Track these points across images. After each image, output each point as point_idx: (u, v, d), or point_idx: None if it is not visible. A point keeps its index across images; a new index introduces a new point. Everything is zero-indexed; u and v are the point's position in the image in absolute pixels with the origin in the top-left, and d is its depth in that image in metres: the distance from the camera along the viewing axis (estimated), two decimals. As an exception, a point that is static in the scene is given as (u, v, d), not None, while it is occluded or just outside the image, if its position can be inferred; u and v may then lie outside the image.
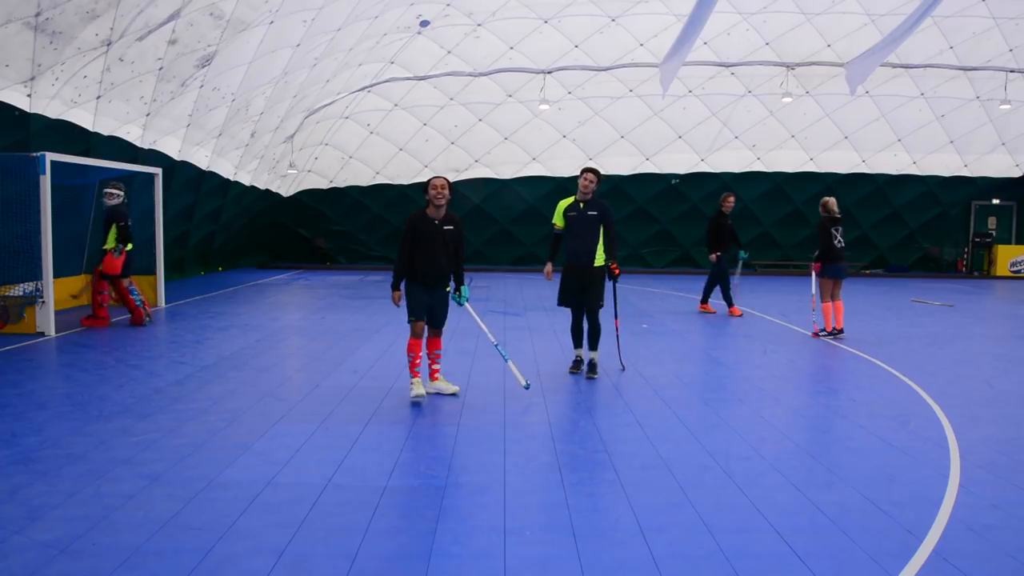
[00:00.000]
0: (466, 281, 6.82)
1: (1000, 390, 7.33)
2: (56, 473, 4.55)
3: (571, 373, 7.64)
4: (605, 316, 7.60)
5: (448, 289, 6.54)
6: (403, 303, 6.45)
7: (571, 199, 7.62)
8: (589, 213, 7.47)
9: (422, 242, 6.30)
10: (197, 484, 4.41)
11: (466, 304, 6.68)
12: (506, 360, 6.90)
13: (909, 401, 6.79)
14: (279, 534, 3.76)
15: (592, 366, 7.55)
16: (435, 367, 6.69)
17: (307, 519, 3.95)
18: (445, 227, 6.37)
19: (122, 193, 10.54)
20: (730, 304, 12.41)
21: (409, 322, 6.41)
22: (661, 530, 3.90)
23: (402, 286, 6.47)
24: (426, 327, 6.55)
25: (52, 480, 4.44)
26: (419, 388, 6.34)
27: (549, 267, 7.96)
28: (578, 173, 7.68)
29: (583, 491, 4.45)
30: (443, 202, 6.29)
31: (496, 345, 6.93)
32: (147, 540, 3.66)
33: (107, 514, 3.95)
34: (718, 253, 12.37)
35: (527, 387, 6.70)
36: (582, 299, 7.54)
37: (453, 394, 6.57)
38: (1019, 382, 7.77)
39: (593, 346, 7.56)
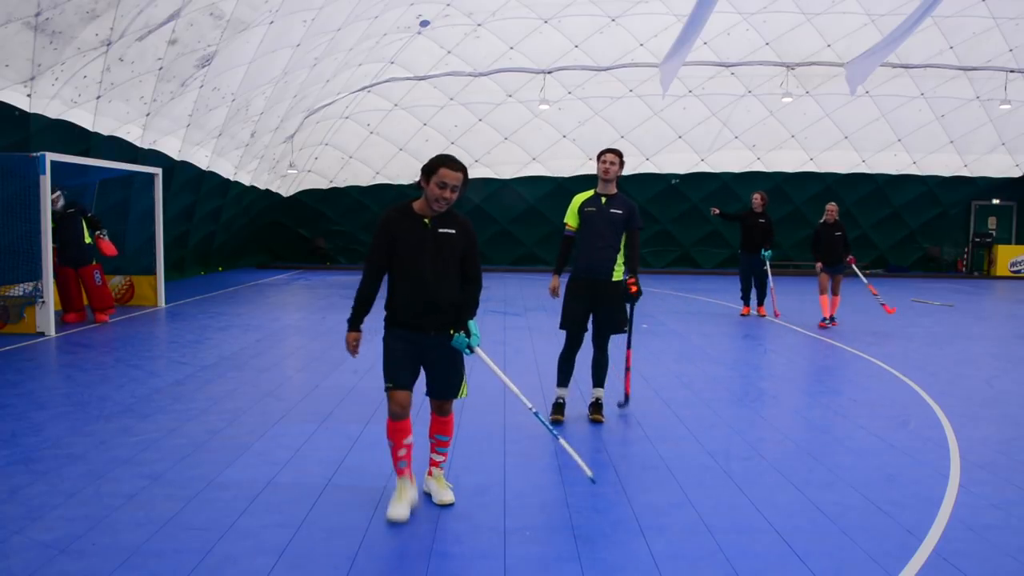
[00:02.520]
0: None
1: (1000, 390, 7.33)
2: (56, 473, 4.55)
3: (553, 422, 5.79)
4: (616, 345, 6.18)
5: (452, 332, 4.06)
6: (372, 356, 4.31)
7: (589, 192, 6.02)
8: (612, 211, 5.85)
9: (403, 253, 3.97)
10: (197, 484, 4.40)
11: (478, 350, 4.14)
12: (556, 438, 4.50)
13: (909, 401, 6.79)
14: (279, 534, 3.76)
15: (598, 406, 6.01)
16: (436, 456, 4.30)
17: (307, 519, 3.95)
18: (441, 230, 3.99)
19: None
20: (745, 303, 12.43)
21: (386, 391, 4.08)
22: (661, 530, 3.90)
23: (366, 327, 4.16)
24: (426, 398, 4.28)
25: (52, 480, 4.44)
26: (400, 504, 4.00)
27: (556, 280, 6.11)
28: (596, 158, 5.98)
29: (583, 491, 4.45)
30: (444, 206, 3.96)
31: (535, 413, 4.42)
32: (147, 540, 3.66)
33: (107, 514, 3.95)
34: (739, 252, 12.53)
35: (594, 481, 4.44)
36: (587, 323, 5.94)
37: (444, 504, 4.20)
38: (1019, 382, 7.77)
39: (600, 381, 6.03)
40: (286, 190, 21.60)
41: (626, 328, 6.00)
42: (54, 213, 10.23)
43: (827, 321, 11.09)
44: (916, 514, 4.14)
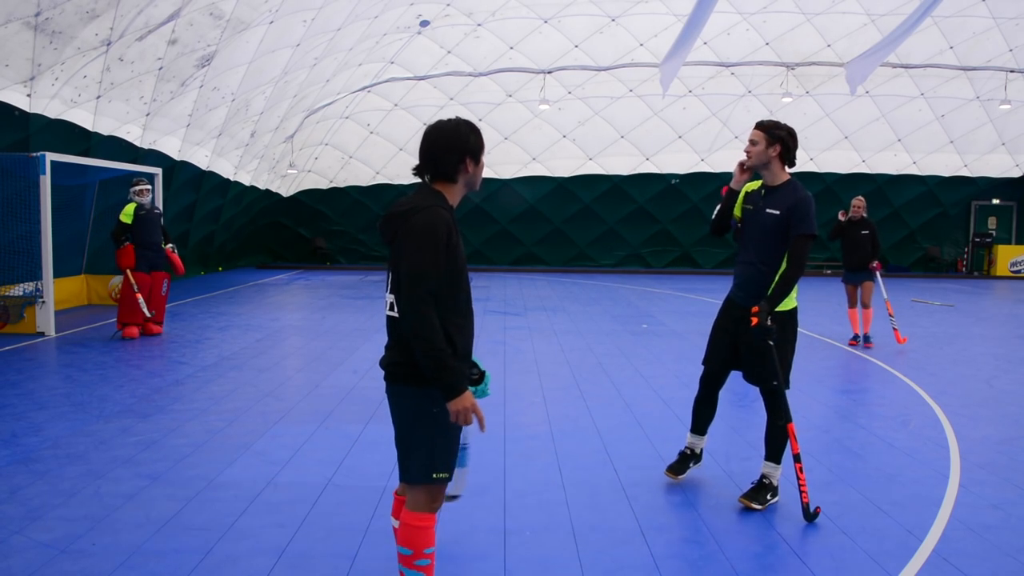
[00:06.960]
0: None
1: (1000, 390, 7.33)
2: (56, 473, 4.55)
3: (670, 475, 4.53)
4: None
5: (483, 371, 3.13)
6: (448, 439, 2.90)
7: (757, 183, 4.36)
8: (768, 211, 4.16)
9: (461, 273, 2.82)
10: (197, 484, 4.40)
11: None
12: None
13: (909, 401, 6.79)
14: (279, 534, 3.76)
15: (757, 489, 4.26)
16: None
17: (307, 519, 3.95)
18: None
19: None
20: None
21: (437, 479, 2.88)
22: (661, 530, 3.90)
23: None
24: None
25: (52, 480, 4.44)
26: None
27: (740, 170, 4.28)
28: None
29: (583, 491, 4.45)
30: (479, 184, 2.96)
31: None
32: (147, 540, 3.66)
33: (107, 514, 3.95)
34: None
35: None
36: (730, 361, 4.45)
37: None
38: (1019, 382, 7.77)
39: (773, 455, 4.27)
40: (286, 190, 21.60)
41: (774, 383, 4.18)
42: (140, 207, 9.41)
43: (857, 339, 9.76)
44: (916, 514, 4.14)
